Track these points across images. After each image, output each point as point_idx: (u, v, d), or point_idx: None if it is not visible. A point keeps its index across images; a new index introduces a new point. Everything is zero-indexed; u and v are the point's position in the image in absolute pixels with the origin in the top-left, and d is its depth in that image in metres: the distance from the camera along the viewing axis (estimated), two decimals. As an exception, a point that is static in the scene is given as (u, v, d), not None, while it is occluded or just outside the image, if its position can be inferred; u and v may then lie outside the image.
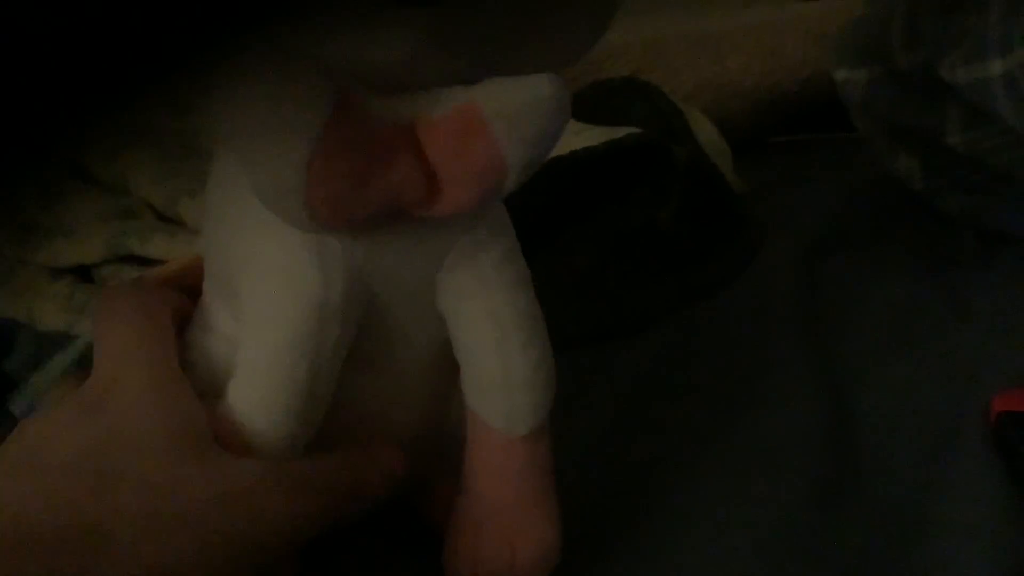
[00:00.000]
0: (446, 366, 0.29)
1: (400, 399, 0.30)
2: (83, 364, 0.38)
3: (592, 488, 0.36)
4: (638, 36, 0.74)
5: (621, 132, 0.52)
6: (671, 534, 0.34)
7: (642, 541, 0.34)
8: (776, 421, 0.40)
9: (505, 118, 0.24)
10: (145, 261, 0.45)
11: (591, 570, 0.32)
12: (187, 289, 0.30)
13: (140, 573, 0.24)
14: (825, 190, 0.64)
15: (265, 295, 0.26)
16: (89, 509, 0.24)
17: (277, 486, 0.26)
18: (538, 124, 0.24)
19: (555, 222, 0.51)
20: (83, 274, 0.46)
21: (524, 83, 0.24)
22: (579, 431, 0.40)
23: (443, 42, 0.23)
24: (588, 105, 0.60)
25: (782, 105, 0.75)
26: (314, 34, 0.22)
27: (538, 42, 0.25)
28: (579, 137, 0.52)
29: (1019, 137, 0.48)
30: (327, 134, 0.22)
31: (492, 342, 0.28)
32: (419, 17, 0.22)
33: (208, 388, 0.27)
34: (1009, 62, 0.46)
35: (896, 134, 0.57)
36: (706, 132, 0.60)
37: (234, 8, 0.20)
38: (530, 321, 0.29)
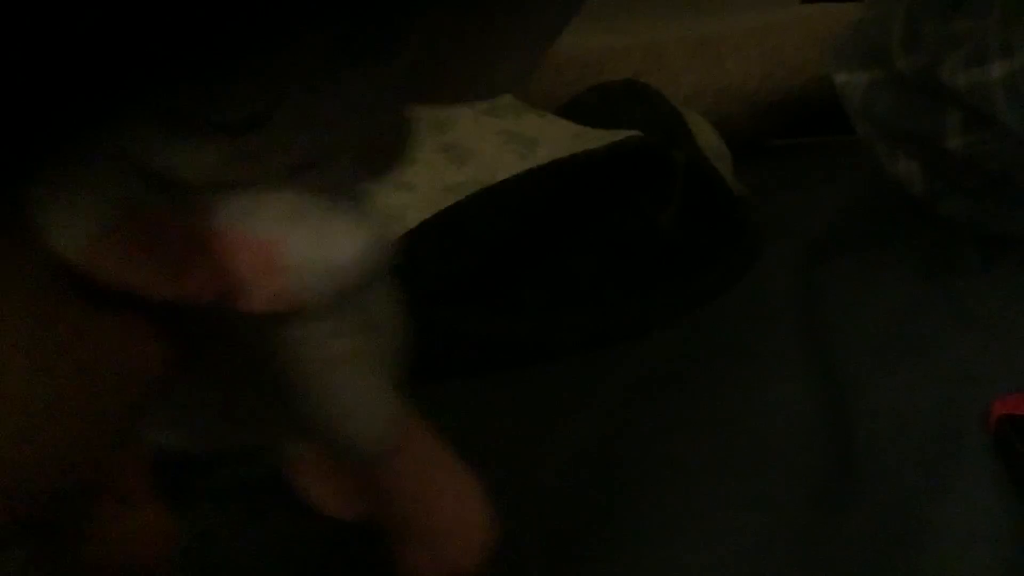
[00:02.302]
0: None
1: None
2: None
3: (591, 491, 0.36)
4: (637, 39, 0.74)
5: (620, 135, 0.52)
6: (669, 537, 0.34)
7: (640, 543, 0.34)
8: (776, 425, 0.40)
9: (301, 270, 0.24)
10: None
11: (589, 571, 0.32)
12: None
13: None
14: (825, 194, 0.64)
15: None
16: None
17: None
18: (333, 282, 0.25)
19: (554, 226, 0.51)
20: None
21: (332, 241, 0.24)
22: (578, 435, 0.40)
23: (249, 165, 0.23)
24: (587, 109, 0.60)
25: (782, 108, 0.74)
26: (121, 133, 0.22)
27: (452, 78, 0.25)
28: (579, 140, 0.52)
29: (1020, 141, 0.48)
30: (106, 241, 0.22)
31: (316, 391, 0.28)
32: (217, 143, 0.22)
33: None
34: (1009, 65, 0.46)
35: (896, 138, 0.57)
36: (706, 135, 0.60)
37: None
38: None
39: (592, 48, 0.73)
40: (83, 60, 0.18)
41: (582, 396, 0.43)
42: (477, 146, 0.53)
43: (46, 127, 0.21)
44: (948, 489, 0.35)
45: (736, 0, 0.87)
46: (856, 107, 0.58)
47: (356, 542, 0.34)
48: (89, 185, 0.22)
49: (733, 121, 0.72)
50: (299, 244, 0.24)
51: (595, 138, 0.52)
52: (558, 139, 0.53)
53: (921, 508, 0.35)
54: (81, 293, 0.23)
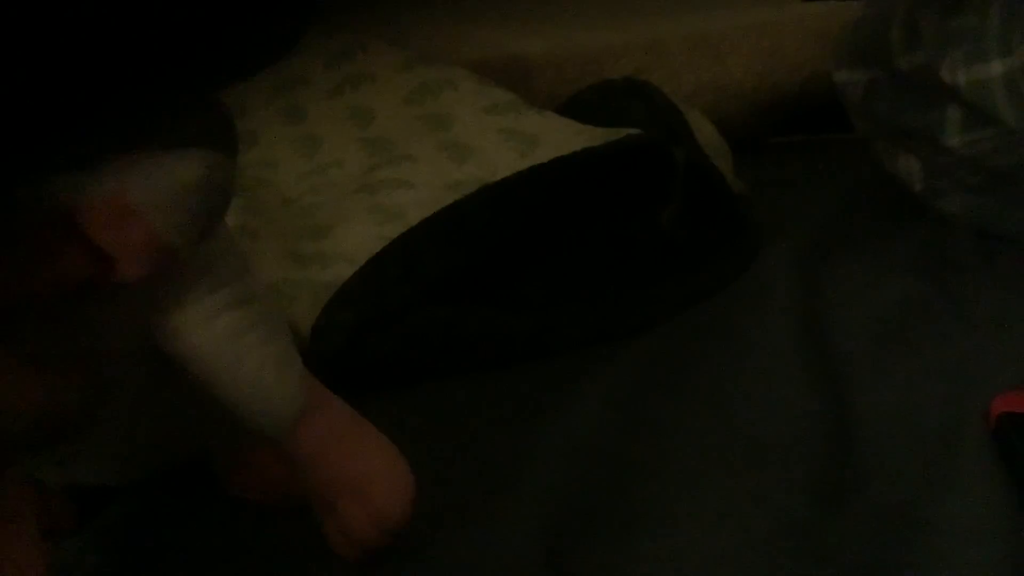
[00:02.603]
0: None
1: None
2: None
3: (589, 488, 0.36)
4: (638, 37, 0.74)
5: (621, 133, 0.52)
6: (669, 533, 0.34)
7: (640, 539, 0.34)
8: (775, 422, 0.40)
9: (154, 205, 0.24)
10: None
11: (588, 568, 0.32)
12: None
13: None
14: (825, 191, 0.64)
15: None
16: None
17: None
18: (190, 207, 0.25)
19: (555, 223, 0.51)
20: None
21: (172, 168, 0.25)
22: (579, 430, 0.40)
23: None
24: (588, 106, 0.60)
25: (782, 106, 0.75)
26: None
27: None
28: (579, 138, 0.52)
29: (1019, 138, 0.48)
30: None
31: (214, 373, 0.29)
32: None
33: None
34: (1009, 63, 0.46)
35: (896, 135, 0.57)
36: (706, 133, 0.60)
37: None
38: (234, 341, 0.29)
39: (593, 46, 0.73)
40: None
41: (583, 392, 0.43)
42: (478, 144, 0.53)
43: None
44: (948, 486, 0.35)
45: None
46: (856, 105, 0.58)
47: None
48: None
49: (733, 119, 0.72)
50: (139, 184, 0.24)
51: (596, 136, 0.52)
52: (559, 137, 0.53)
53: (921, 505, 0.35)
54: None
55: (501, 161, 0.52)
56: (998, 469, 0.36)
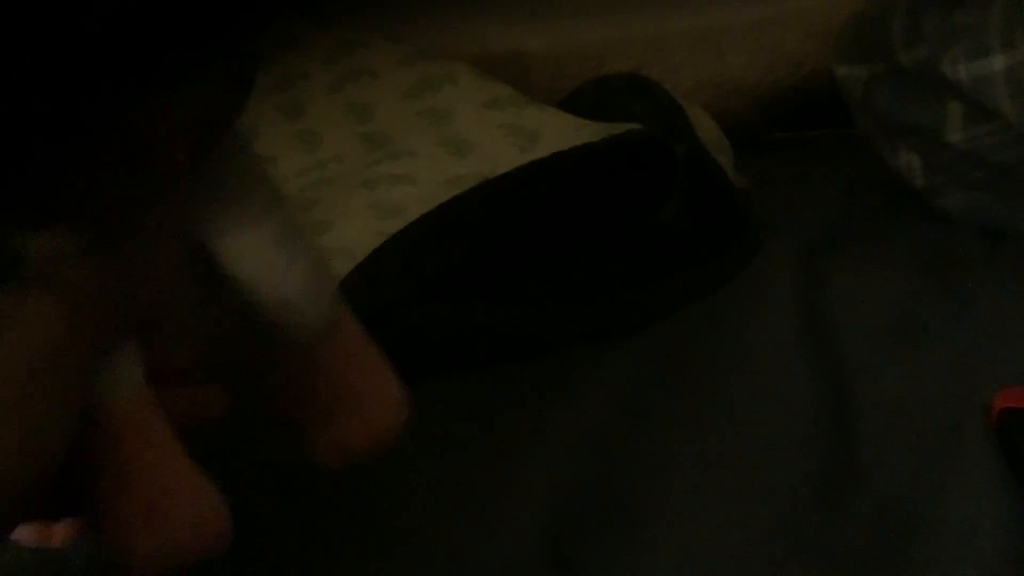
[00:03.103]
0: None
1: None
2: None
3: (588, 486, 0.36)
4: (639, 33, 0.74)
5: (621, 129, 0.52)
6: (668, 531, 0.34)
7: (639, 538, 0.34)
8: (775, 418, 0.40)
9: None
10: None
11: (588, 567, 0.32)
12: None
13: None
14: (826, 187, 0.64)
15: None
16: None
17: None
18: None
19: (555, 219, 0.51)
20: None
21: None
22: (579, 428, 0.40)
23: None
24: (588, 102, 0.60)
25: (783, 101, 0.74)
26: None
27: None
28: (579, 133, 0.52)
29: (1021, 134, 0.48)
30: None
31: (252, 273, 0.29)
32: None
33: None
34: (1011, 58, 0.46)
35: (897, 131, 0.57)
36: (707, 128, 0.60)
37: None
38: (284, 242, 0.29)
39: (593, 41, 0.73)
40: None
41: (583, 389, 0.43)
42: (478, 139, 0.53)
43: None
44: (949, 482, 0.35)
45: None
46: (857, 100, 0.58)
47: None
48: None
49: (734, 114, 0.72)
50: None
51: (596, 131, 0.52)
52: (559, 132, 0.53)
53: (922, 501, 0.35)
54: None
55: (501, 156, 0.52)
56: (999, 465, 0.36)
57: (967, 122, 0.52)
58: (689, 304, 0.50)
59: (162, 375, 0.29)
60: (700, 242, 0.54)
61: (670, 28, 0.74)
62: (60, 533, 0.33)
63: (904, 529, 0.34)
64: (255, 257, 0.28)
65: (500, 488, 0.36)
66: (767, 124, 0.76)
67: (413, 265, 0.47)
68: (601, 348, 0.46)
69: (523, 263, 0.50)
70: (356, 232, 0.48)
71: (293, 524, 0.34)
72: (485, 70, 0.60)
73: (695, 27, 0.75)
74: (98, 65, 0.20)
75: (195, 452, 0.29)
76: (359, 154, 0.55)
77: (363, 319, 0.45)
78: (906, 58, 0.54)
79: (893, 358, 0.44)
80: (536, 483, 0.36)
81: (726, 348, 0.46)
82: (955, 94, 0.51)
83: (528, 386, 0.44)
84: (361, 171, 0.53)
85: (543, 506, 0.35)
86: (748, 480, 0.36)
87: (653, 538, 0.34)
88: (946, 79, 0.50)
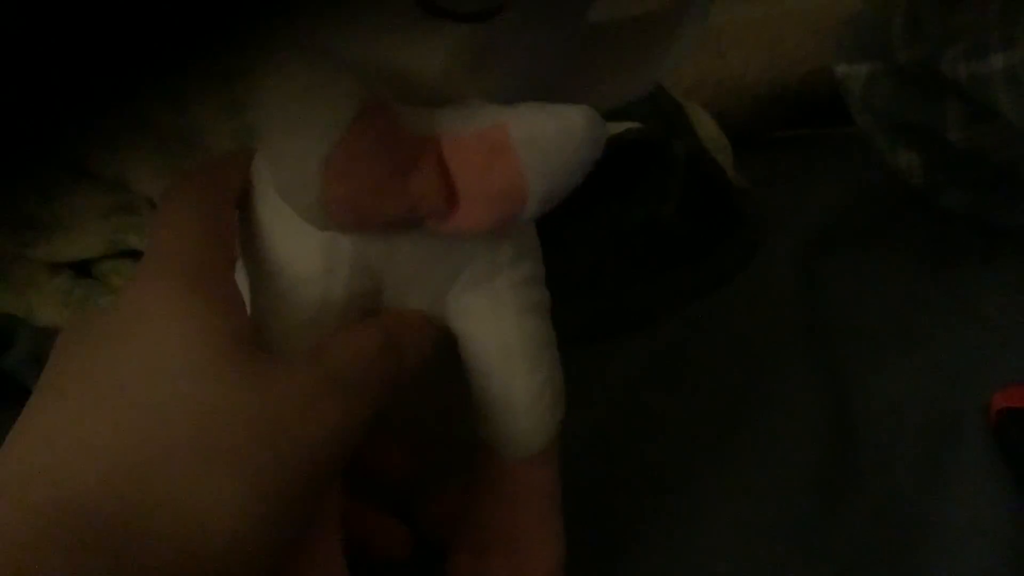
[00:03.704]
0: (454, 380, 0.29)
1: (403, 408, 0.30)
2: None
3: (590, 484, 0.36)
4: (638, 31, 0.74)
5: (621, 127, 0.52)
6: (670, 530, 0.34)
7: (641, 537, 0.34)
8: (776, 417, 0.40)
9: (532, 145, 0.23)
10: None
11: (591, 566, 0.32)
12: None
13: (194, 523, 0.21)
14: (825, 186, 0.64)
15: (273, 287, 0.26)
16: (133, 452, 0.21)
17: (331, 390, 0.24)
18: (565, 156, 0.24)
19: (554, 217, 0.51)
20: (82, 270, 0.46)
21: (557, 112, 0.24)
22: (578, 427, 0.40)
23: (477, 61, 0.23)
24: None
25: (783, 100, 0.74)
26: (350, 39, 0.23)
27: (579, 82, 0.25)
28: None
29: (1020, 133, 0.48)
30: (350, 135, 0.22)
31: (496, 365, 0.28)
32: (455, 32, 0.22)
33: None
34: (1011, 57, 0.46)
35: (897, 129, 0.57)
36: (706, 127, 0.60)
37: (259, 7, 0.20)
38: (538, 347, 0.29)
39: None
40: None
41: (583, 388, 0.42)
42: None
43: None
44: (948, 482, 0.35)
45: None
46: (856, 99, 0.58)
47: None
48: (314, 107, 0.22)
49: (734, 113, 0.72)
50: (524, 120, 0.23)
51: (595, 130, 0.52)
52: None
53: (921, 500, 0.35)
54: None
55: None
56: (999, 464, 0.36)
57: (967, 121, 0.52)
58: (688, 302, 0.50)
59: (361, 468, 0.29)
60: (699, 241, 0.54)
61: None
62: None
63: (904, 528, 0.34)
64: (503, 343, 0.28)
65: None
66: (766, 122, 0.76)
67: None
68: (599, 347, 0.46)
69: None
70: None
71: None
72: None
73: (695, 25, 0.74)
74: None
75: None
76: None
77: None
78: (906, 57, 0.54)
79: (893, 357, 0.44)
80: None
81: (725, 347, 0.46)
82: (955, 93, 0.51)
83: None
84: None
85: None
86: (748, 479, 0.36)
87: (653, 537, 0.34)
88: (946, 78, 0.50)
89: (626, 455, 0.38)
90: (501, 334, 0.28)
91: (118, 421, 0.21)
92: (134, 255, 0.45)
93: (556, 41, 0.25)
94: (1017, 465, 0.35)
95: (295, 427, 0.23)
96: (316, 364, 0.24)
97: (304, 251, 0.25)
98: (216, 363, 0.22)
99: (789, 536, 0.33)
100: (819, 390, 0.42)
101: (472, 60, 0.23)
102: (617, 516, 0.35)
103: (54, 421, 0.22)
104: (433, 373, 0.29)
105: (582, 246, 0.52)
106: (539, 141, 0.23)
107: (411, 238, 0.26)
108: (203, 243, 0.24)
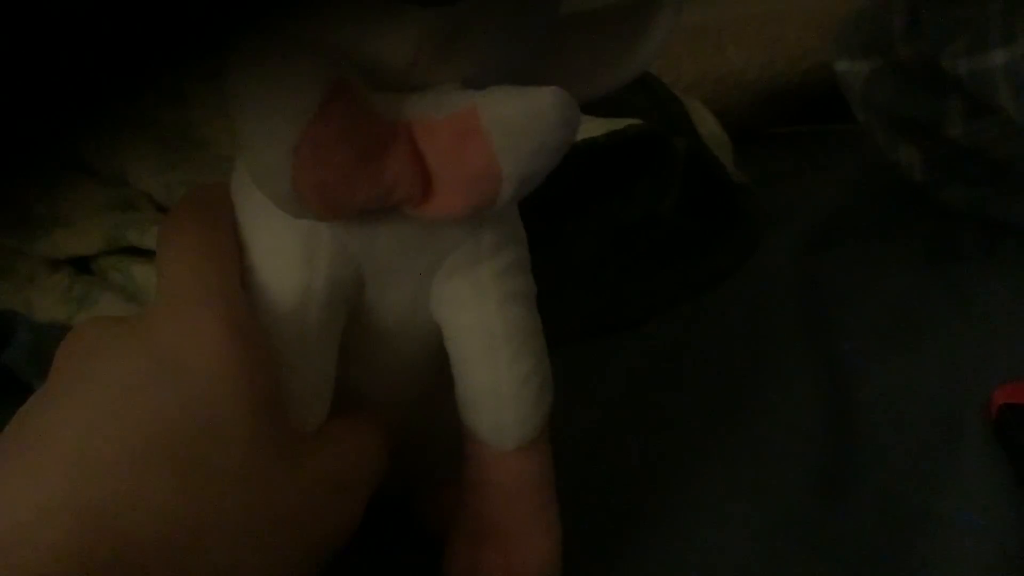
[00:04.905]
0: (438, 370, 0.29)
1: (388, 397, 0.30)
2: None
3: (590, 482, 0.36)
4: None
5: (621, 123, 0.52)
6: (670, 527, 0.34)
7: (641, 534, 0.34)
8: (776, 414, 0.40)
9: (503, 128, 0.23)
10: (144, 252, 0.45)
11: (590, 566, 0.32)
12: None
13: None
14: (826, 182, 0.64)
15: (255, 281, 0.26)
16: (182, 512, 0.20)
17: (358, 464, 0.24)
18: (538, 137, 0.24)
19: (555, 213, 0.51)
20: (82, 266, 0.46)
21: (527, 94, 0.23)
22: (578, 424, 0.40)
23: (446, 46, 0.23)
24: (588, 96, 0.60)
25: (783, 96, 0.74)
26: (320, 24, 0.23)
27: (556, 73, 0.25)
28: (580, 127, 0.52)
29: (1021, 128, 0.48)
30: (319, 121, 0.22)
31: (480, 354, 0.28)
32: (424, 18, 0.22)
33: None
34: (1011, 53, 0.46)
35: (897, 125, 0.57)
36: (707, 123, 0.60)
37: (257, 6, 0.20)
38: (522, 335, 0.28)
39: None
40: None
41: (583, 384, 0.43)
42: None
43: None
44: (949, 477, 0.35)
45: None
46: (857, 95, 0.58)
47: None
48: (282, 93, 0.22)
49: (734, 109, 0.72)
50: (495, 103, 0.23)
51: (596, 126, 0.52)
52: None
53: (921, 496, 0.35)
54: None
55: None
56: (999, 460, 0.36)
57: (967, 117, 0.52)
58: (688, 298, 0.50)
59: None
60: (699, 237, 0.54)
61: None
62: None
63: (904, 524, 0.34)
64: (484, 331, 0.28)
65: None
66: (767, 119, 0.76)
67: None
68: (599, 343, 0.46)
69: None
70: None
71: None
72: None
73: (695, 22, 0.75)
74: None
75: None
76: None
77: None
78: (906, 53, 0.54)
79: (893, 352, 0.44)
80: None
81: (726, 343, 0.46)
82: (955, 89, 0.51)
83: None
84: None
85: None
86: (749, 476, 0.36)
87: (652, 534, 0.34)
88: (946, 74, 0.50)
89: (624, 451, 0.38)
90: (484, 322, 0.28)
91: (160, 467, 0.21)
92: (134, 251, 0.45)
93: (527, 27, 0.25)
94: (1017, 461, 0.35)
95: (325, 501, 0.23)
96: (344, 439, 0.25)
97: (284, 242, 0.26)
98: (259, 434, 0.22)
99: (789, 532, 0.33)
100: (819, 385, 0.42)
101: (441, 45, 0.23)
102: (616, 513, 0.35)
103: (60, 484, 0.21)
104: (420, 365, 0.29)
105: (582, 242, 0.52)
106: (510, 123, 0.23)
107: (390, 226, 0.26)
108: (217, 270, 0.24)
